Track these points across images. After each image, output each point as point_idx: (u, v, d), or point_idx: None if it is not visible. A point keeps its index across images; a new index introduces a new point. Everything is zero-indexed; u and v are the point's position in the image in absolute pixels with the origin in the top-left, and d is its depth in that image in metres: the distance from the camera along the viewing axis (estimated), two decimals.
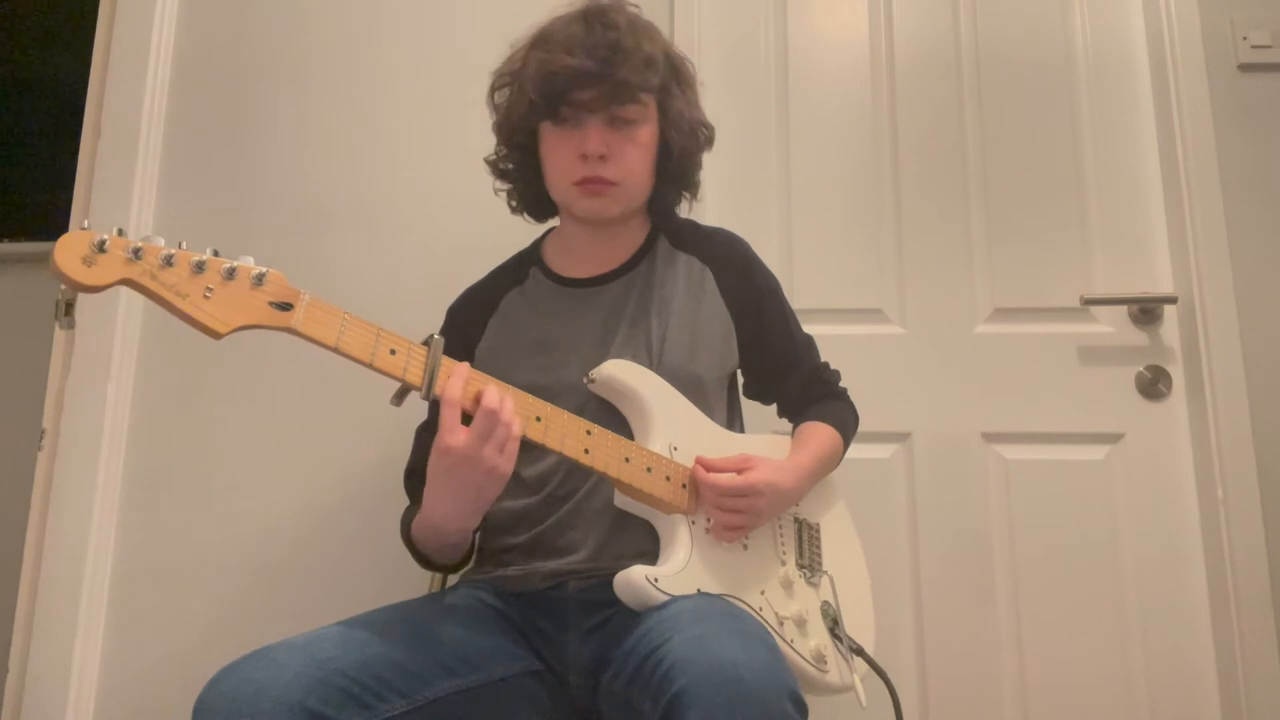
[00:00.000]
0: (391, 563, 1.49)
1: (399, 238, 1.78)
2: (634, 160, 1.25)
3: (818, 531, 1.29)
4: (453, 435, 0.99)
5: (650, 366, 1.21)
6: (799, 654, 1.14)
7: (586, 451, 1.08)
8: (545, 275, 1.35)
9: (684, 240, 1.36)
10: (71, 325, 1.67)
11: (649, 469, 1.12)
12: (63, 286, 0.83)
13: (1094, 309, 1.74)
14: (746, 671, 0.85)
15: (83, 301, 1.64)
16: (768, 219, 1.83)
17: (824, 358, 1.42)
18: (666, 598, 1.03)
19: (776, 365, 1.36)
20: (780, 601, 1.16)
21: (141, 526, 1.69)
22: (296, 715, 0.89)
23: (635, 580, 1.04)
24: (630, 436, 1.17)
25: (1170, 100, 1.76)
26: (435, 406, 1.02)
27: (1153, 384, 1.71)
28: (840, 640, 1.20)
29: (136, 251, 0.84)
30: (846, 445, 1.36)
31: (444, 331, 1.36)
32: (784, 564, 1.20)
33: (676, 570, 1.08)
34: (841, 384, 1.42)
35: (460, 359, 1.05)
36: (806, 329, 1.41)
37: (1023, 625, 1.65)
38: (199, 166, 1.83)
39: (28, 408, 1.73)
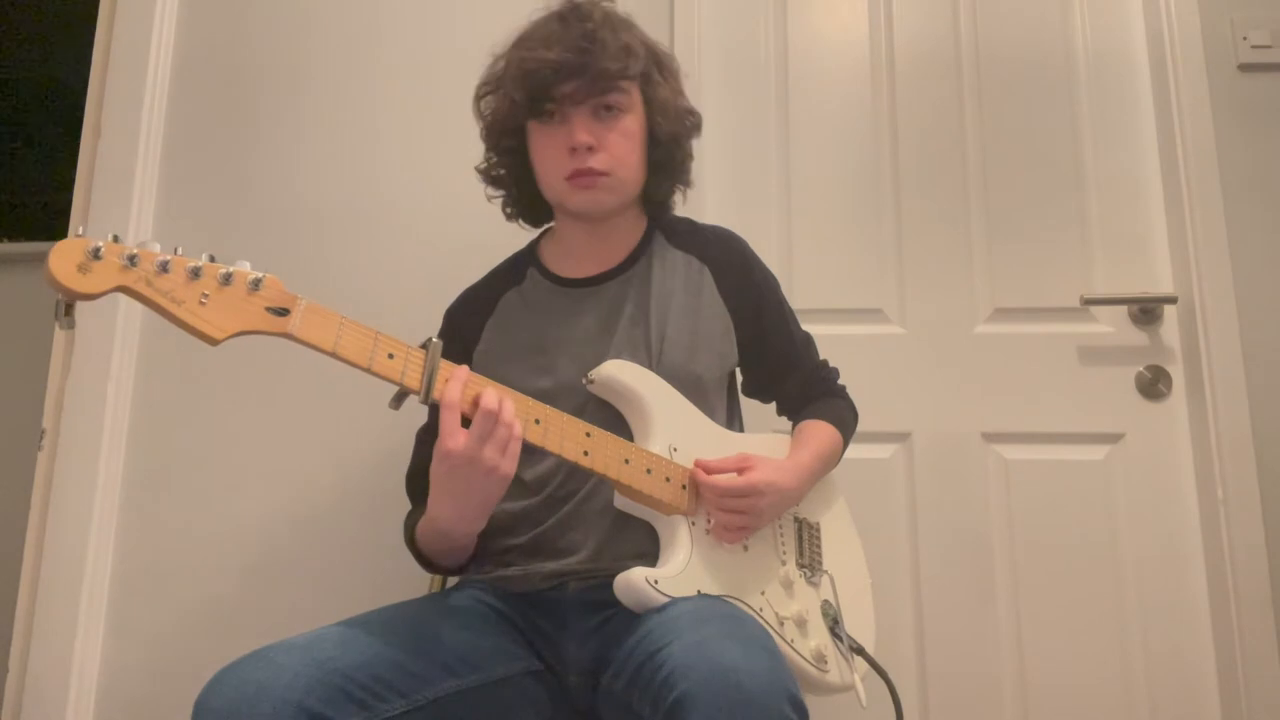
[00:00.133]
0: (391, 563, 1.49)
1: (399, 238, 1.78)
2: (623, 149, 1.25)
3: (818, 531, 1.29)
4: (453, 439, 0.99)
5: (649, 366, 1.21)
6: (799, 654, 1.14)
7: (586, 453, 1.08)
8: (543, 276, 1.35)
9: (681, 238, 1.35)
10: (71, 325, 1.66)
11: (648, 470, 1.12)
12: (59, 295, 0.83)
13: (1094, 309, 1.74)
14: (746, 677, 0.85)
15: (83, 301, 1.64)
16: (768, 219, 1.83)
17: (824, 358, 1.42)
18: (666, 599, 1.03)
19: (776, 364, 1.36)
20: (780, 601, 1.16)
21: (141, 526, 1.69)
22: (296, 715, 0.89)
23: (635, 582, 1.04)
24: (630, 437, 1.17)
25: (1170, 100, 1.76)
26: (435, 410, 1.02)
27: (1153, 384, 1.71)
28: (840, 640, 1.20)
29: (132, 258, 0.84)
30: (846, 443, 1.36)
31: (442, 334, 1.36)
32: (784, 564, 1.20)
33: (676, 572, 1.08)
34: (841, 382, 1.42)
35: (458, 361, 1.05)
36: (806, 329, 1.41)
37: (1023, 625, 1.65)
38: (199, 166, 1.83)
39: (28, 408, 1.73)
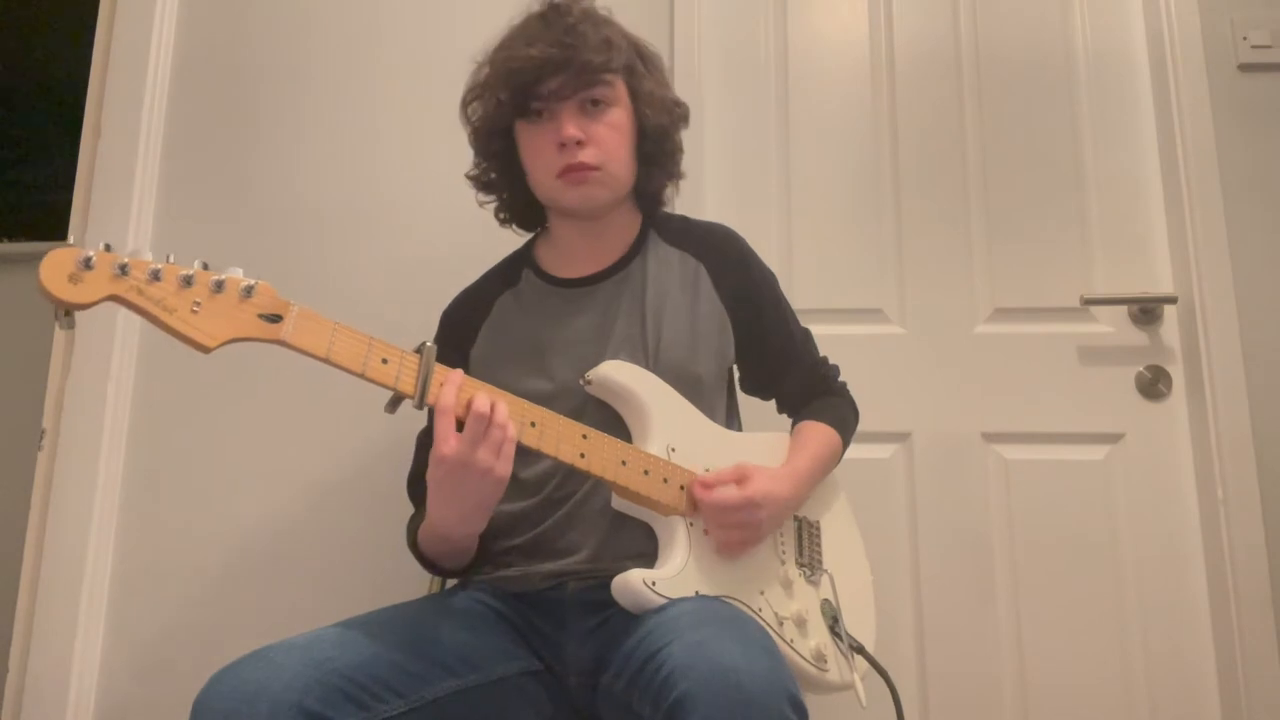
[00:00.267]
0: (391, 563, 1.49)
1: (399, 238, 1.78)
2: (612, 142, 1.25)
3: (818, 529, 1.29)
4: (446, 443, 0.99)
5: (646, 365, 1.21)
6: (799, 654, 1.14)
7: (582, 456, 1.08)
8: (538, 276, 1.34)
9: (676, 235, 1.35)
10: (71, 325, 1.66)
11: (646, 471, 1.11)
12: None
13: (1094, 309, 1.74)
14: (746, 677, 0.85)
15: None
16: (768, 219, 1.83)
17: (826, 358, 1.42)
18: (664, 601, 1.03)
19: (775, 361, 1.36)
20: (780, 601, 1.16)
21: (141, 526, 1.69)
22: (295, 715, 0.89)
23: (633, 584, 1.04)
24: (628, 438, 1.17)
25: (1170, 100, 1.76)
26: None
27: (1153, 384, 1.71)
28: (840, 639, 1.20)
29: (123, 267, 0.84)
30: (847, 443, 1.35)
31: (438, 337, 1.36)
32: (783, 563, 1.20)
33: (674, 573, 1.08)
34: (841, 379, 1.41)
35: (455, 364, 1.05)
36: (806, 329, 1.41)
37: (1023, 625, 1.65)
38: (199, 166, 1.83)
39: (28, 408, 1.73)
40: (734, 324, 1.30)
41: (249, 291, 0.91)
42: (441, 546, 1.14)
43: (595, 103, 1.24)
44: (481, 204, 1.39)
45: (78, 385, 1.70)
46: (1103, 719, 1.60)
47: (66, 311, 0.84)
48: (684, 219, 1.41)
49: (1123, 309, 1.74)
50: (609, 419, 1.18)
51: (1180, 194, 1.72)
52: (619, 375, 1.18)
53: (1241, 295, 1.67)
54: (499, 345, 1.30)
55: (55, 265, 0.81)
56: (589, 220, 1.31)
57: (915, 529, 1.69)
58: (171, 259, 0.88)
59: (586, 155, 1.22)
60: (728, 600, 1.09)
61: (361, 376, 0.96)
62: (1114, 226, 1.78)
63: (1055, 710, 1.61)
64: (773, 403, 1.42)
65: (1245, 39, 1.77)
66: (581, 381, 1.18)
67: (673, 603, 1.03)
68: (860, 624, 1.27)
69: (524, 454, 1.06)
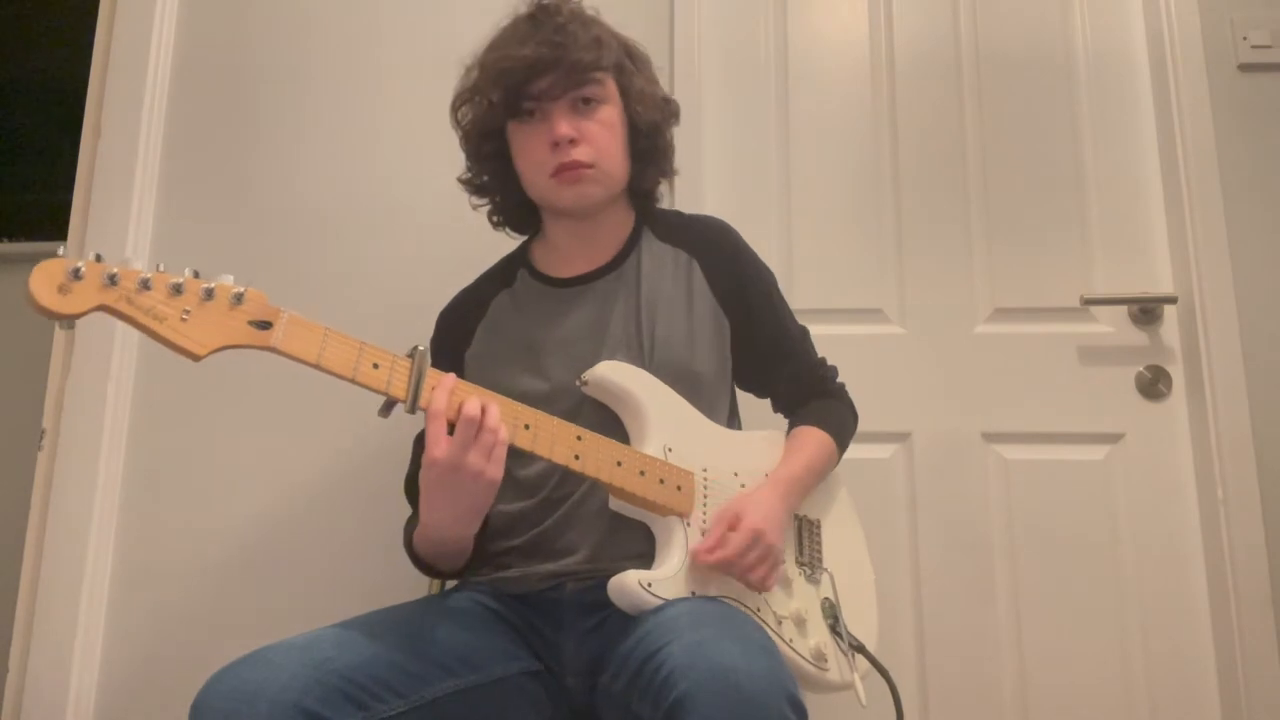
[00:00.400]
0: (390, 564, 1.48)
1: (399, 238, 1.78)
2: (604, 140, 1.25)
3: (818, 528, 1.28)
4: (438, 447, 0.99)
5: (642, 363, 1.21)
6: (798, 653, 1.14)
7: (577, 457, 1.07)
8: (533, 277, 1.34)
9: (669, 231, 1.35)
10: (71, 326, 1.67)
11: (642, 472, 1.11)
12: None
13: (1094, 309, 1.74)
14: (745, 677, 0.85)
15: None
16: (768, 219, 1.83)
17: (825, 358, 1.41)
18: (660, 602, 1.03)
19: (769, 355, 1.34)
20: (779, 601, 1.16)
21: (141, 526, 1.69)
22: (293, 716, 0.89)
23: (628, 585, 1.04)
24: (626, 438, 1.16)
25: (1170, 100, 1.76)
26: None
27: (1153, 384, 1.71)
28: (841, 637, 1.20)
29: (112, 277, 0.84)
30: (844, 446, 1.34)
31: (434, 338, 1.36)
32: (783, 562, 1.20)
33: (670, 574, 1.07)
34: (840, 380, 1.40)
35: (451, 366, 1.05)
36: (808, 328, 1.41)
37: (1023, 625, 1.65)
38: (199, 166, 1.83)
39: (28, 408, 1.73)
40: (727, 315, 1.30)
41: (239, 299, 0.91)
42: (436, 549, 1.14)
43: (587, 101, 1.24)
44: (475, 207, 1.39)
45: (78, 385, 1.70)
46: (1103, 719, 1.60)
47: None
48: (677, 214, 1.41)
49: (1123, 309, 1.74)
50: (607, 420, 1.18)
51: (1180, 194, 1.72)
52: (615, 376, 1.17)
53: (1241, 295, 1.67)
54: (494, 346, 1.30)
55: (45, 276, 0.82)
56: (583, 219, 1.31)
57: (915, 529, 1.69)
58: (162, 267, 0.88)
59: (580, 153, 1.22)
60: (725, 600, 1.09)
61: (353, 381, 0.97)
62: (1114, 226, 1.78)
63: (1055, 710, 1.61)
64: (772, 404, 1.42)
65: (1245, 39, 1.77)
66: (578, 382, 1.18)
67: (671, 603, 1.03)
68: (862, 622, 1.26)
69: (521, 453, 1.06)
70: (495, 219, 1.39)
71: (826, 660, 1.16)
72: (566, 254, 1.33)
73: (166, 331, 0.87)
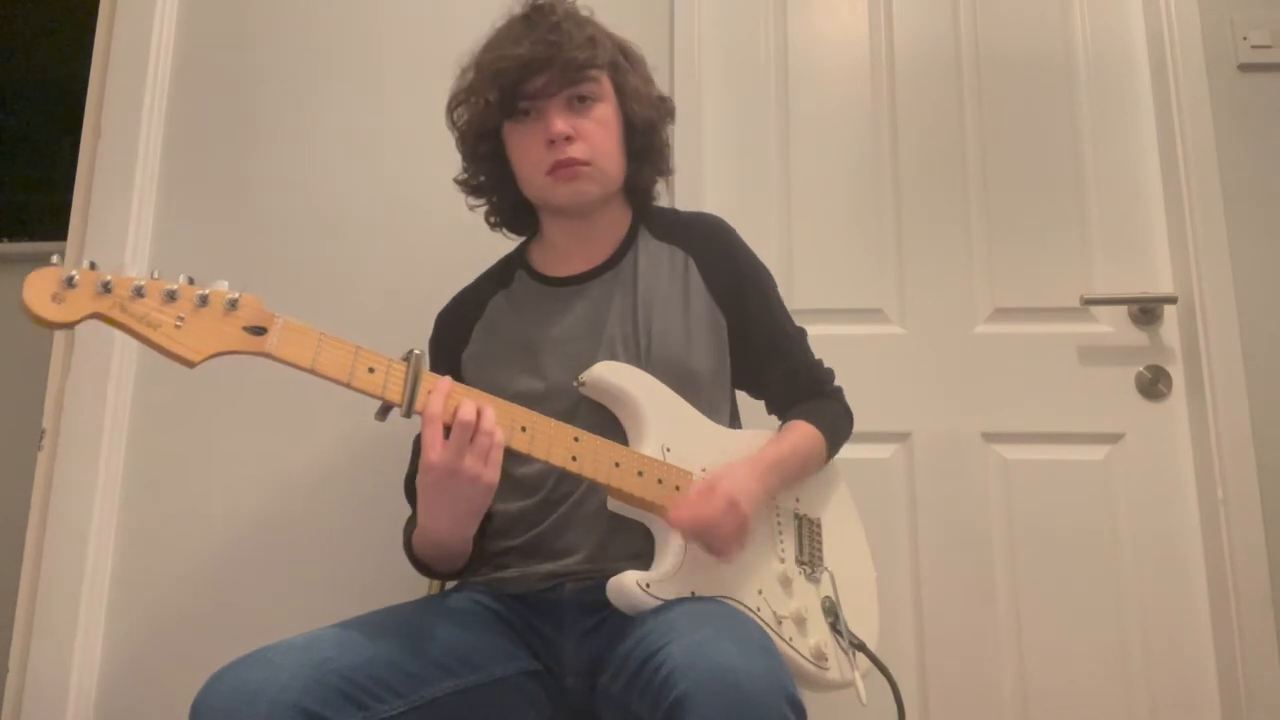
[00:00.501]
0: (390, 564, 1.48)
1: (399, 238, 1.78)
2: (600, 137, 1.25)
3: (818, 527, 1.28)
4: (434, 451, 0.99)
5: (638, 362, 1.21)
6: (798, 653, 1.14)
7: (574, 459, 1.07)
8: (530, 277, 1.34)
9: (664, 229, 1.34)
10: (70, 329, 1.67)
11: (640, 473, 1.11)
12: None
13: (1094, 309, 1.74)
14: (745, 677, 0.85)
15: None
16: (768, 219, 1.83)
17: (824, 359, 1.40)
18: (659, 603, 1.03)
19: (764, 351, 1.33)
20: (779, 600, 1.16)
21: (141, 526, 1.69)
22: (293, 715, 0.89)
23: (627, 586, 1.04)
24: (624, 438, 1.16)
25: (1170, 100, 1.76)
26: None
27: (1153, 384, 1.71)
28: (841, 636, 1.20)
29: (106, 285, 0.84)
30: (834, 446, 1.33)
31: (432, 339, 1.36)
32: (782, 561, 1.20)
33: (669, 574, 1.07)
34: (836, 384, 1.39)
35: (449, 367, 1.05)
36: (807, 329, 1.40)
37: (1023, 624, 1.64)
38: (199, 166, 1.83)
39: (28, 408, 1.73)
40: (723, 313, 1.29)
41: (233, 305, 0.91)
42: (435, 551, 1.14)
43: (582, 99, 1.25)
44: (472, 208, 1.39)
45: (78, 385, 1.70)
46: (1103, 718, 1.60)
47: None
48: (674, 212, 1.41)
49: (1123, 309, 1.74)
50: (605, 420, 1.18)
51: (1180, 194, 1.72)
52: (613, 376, 1.17)
53: (1241, 295, 1.67)
54: (491, 346, 1.30)
55: (38, 285, 0.82)
56: (579, 218, 1.31)
57: (915, 529, 1.69)
58: (157, 274, 0.88)
59: (576, 150, 1.22)
60: (724, 600, 1.09)
61: (348, 386, 0.96)
62: (1114, 226, 1.78)
63: (1055, 709, 1.61)
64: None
65: (1245, 39, 1.77)
66: (575, 383, 1.18)
67: (670, 603, 1.03)
68: (863, 621, 1.26)
69: (518, 454, 1.06)
70: (492, 220, 1.39)
71: (827, 659, 1.16)
72: (563, 253, 1.33)
73: (160, 339, 0.87)
